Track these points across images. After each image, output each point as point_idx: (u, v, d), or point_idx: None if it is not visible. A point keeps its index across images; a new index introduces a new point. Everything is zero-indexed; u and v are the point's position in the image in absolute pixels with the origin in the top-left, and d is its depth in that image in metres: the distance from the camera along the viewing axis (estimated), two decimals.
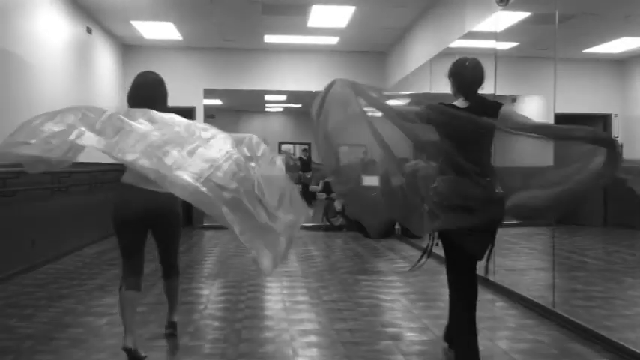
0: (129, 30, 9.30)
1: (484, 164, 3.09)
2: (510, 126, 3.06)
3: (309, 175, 15.05)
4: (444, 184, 2.99)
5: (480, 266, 3.16)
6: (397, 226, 8.80)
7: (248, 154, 3.14)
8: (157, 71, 3.56)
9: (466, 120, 3.04)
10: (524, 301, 4.75)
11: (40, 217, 6.48)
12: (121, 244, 3.48)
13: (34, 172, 3.05)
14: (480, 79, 3.21)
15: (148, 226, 3.48)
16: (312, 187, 14.30)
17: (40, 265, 6.36)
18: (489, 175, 3.03)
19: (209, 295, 5.22)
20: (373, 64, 10.86)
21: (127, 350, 3.28)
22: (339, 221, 10.08)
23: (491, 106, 3.13)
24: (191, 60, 10.56)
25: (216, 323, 4.29)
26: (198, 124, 3.15)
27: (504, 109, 3.11)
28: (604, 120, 5.85)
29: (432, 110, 3.08)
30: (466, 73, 3.21)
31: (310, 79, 10.97)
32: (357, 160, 3.63)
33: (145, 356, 3.38)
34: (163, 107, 3.29)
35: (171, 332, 3.86)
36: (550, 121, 4.54)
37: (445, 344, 3.56)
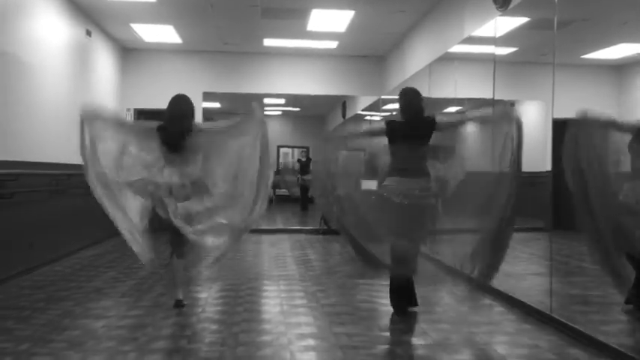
0: (129, 33, 9.31)
1: (422, 166, 4.30)
2: (444, 125, 4.39)
3: (308, 177, 14.93)
4: (393, 182, 4.27)
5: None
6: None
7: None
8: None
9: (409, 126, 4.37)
10: (522, 306, 4.75)
11: (38, 220, 6.47)
12: (169, 233, 4.60)
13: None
14: (418, 106, 4.42)
15: None
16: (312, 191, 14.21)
17: (37, 267, 6.35)
18: (424, 175, 4.28)
19: (207, 298, 5.22)
20: (372, 69, 10.88)
21: (178, 301, 4.63)
22: None
23: (427, 120, 4.37)
24: (190, 63, 10.57)
25: (213, 326, 4.29)
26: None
27: (438, 117, 4.38)
28: None
29: (387, 124, 4.48)
30: (407, 100, 4.47)
31: (309, 83, 11.01)
32: (356, 162, 4.80)
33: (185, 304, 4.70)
34: (191, 119, 4.65)
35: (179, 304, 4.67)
36: (548, 125, 4.57)
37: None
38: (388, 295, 4.66)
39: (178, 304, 4.63)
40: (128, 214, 4.37)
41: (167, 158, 4.48)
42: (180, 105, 4.63)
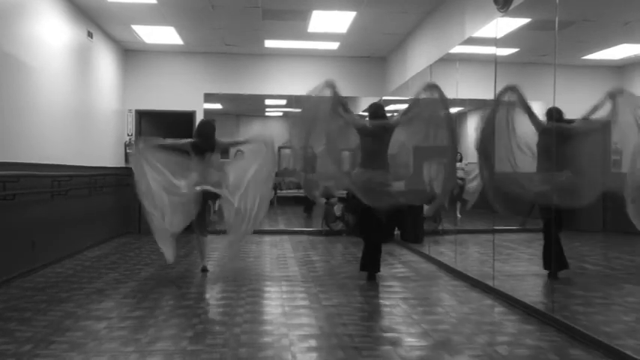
0: (130, 34, 9.31)
1: (383, 159, 5.73)
2: (394, 123, 5.90)
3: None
4: (360, 173, 5.74)
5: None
6: (396, 231, 8.80)
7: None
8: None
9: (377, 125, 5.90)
10: (523, 306, 4.75)
11: (39, 221, 6.48)
12: (195, 218, 6.16)
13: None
14: (382, 114, 6.03)
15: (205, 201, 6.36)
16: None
17: (39, 268, 6.36)
18: (384, 167, 5.71)
19: (209, 299, 5.22)
20: (373, 70, 10.88)
21: (204, 267, 6.40)
22: (338, 226, 10.08)
23: (387, 125, 5.88)
24: (192, 64, 10.58)
25: (215, 328, 4.29)
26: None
27: (394, 120, 5.96)
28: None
29: (361, 128, 5.90)
30: (372, 111, 6.10)
31: (310, 84, 10.94)
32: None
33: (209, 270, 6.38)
34: (214, 138, 6.37)
35: (204, 269, 6.39)
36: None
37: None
38: (371, 271, 5.95)
39: (204, 269, 6.37)
40: (165, 219, 5.79)
41: (196, 165, 6.19)
42: (206, 128, 6.48)
